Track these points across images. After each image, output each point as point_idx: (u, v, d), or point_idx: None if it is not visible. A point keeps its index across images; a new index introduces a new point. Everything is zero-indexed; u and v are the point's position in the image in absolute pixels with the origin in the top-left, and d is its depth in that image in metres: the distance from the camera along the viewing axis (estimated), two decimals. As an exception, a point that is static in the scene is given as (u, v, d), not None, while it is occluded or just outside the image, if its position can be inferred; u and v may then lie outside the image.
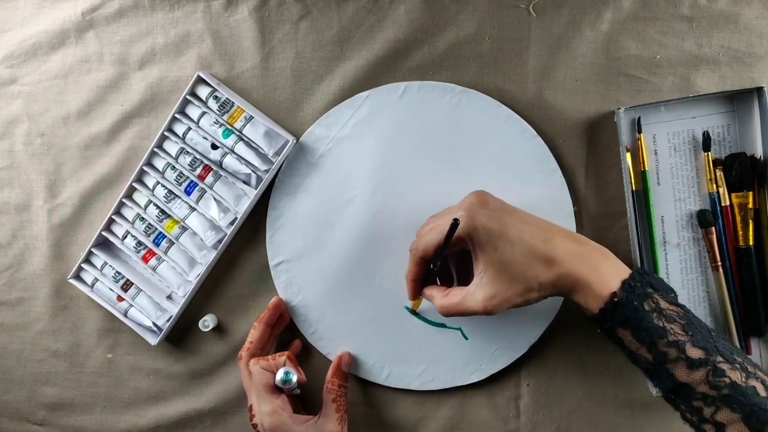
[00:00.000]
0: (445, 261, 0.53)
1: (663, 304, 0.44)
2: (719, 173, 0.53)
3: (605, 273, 0.44)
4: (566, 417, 0.57)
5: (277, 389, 0.52)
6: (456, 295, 0.47)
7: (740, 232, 0.53)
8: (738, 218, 0.53)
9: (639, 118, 0.54)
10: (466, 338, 0.57)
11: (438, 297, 0.49)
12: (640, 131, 0.54)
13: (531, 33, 0.56)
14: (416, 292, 0.52)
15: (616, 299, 0.43)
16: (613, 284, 0.44)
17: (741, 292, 0.53)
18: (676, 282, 0.55)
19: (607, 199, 0.56)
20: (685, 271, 0.55)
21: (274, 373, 0.52)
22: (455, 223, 0.44)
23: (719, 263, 0.53)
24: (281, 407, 0.51)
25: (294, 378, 0.51)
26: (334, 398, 0.53)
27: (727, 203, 0.53)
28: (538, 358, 0.57)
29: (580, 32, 0.55)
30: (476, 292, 0.46)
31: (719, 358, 0.42)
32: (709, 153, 0.53)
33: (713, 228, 0.53)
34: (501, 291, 0.45)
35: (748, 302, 0.53)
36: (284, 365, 0.52)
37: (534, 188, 0.56)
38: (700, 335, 0.43)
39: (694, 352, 0.42)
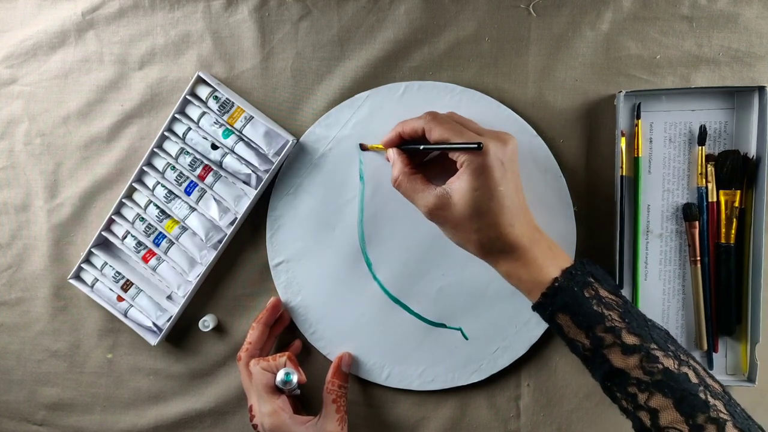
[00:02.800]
0: (421, 155, 0.53)
1: (602, 292, 0.45)
2: (710, 168, 0.53)
3: (548, 262, 0.46)
4: (566, 417, 0.57)
5: (277, 390, 0.52)
6: (417, 182, 0.49)
7: (723, 230, 0.53)
8: (723, 215, 0.53)
9: (639, 104, 0.54)
10: (466, 338, 0.57)
11: (402, 166, 0.50)
12: (638, 117, 0.54)
13: (531, 33, 0.56)
14: (393, 143, 0.52)
15: (557, 284, 0.45)
16: (553, 271, 0.45)
17: (716, 289, 0.54)
18: (653, 272, 0.55)
19: (607, 198, 0.56)
20: (663, 262, 0.55)
21: (275, 374, 0.52)
22: (478, 146, 0.45)
23: (698, 258, 0.53)
24: (281, 408, 0.51)
25: (294, 379, 0.51)
26: (335, 399, 0.53)
27: (715, 199, 0.53)
28: (538, 358, 0.57)
29: (580, 32, 0.55)
30: (434, 197, 0.47)
31: (653, 345, 0.43)
32: (703, 147, 0.53)
33: (697, 222, 0.53)
34: (451, 214, 0.47)
35: (721, 300, 0.54)
36: (284, 366, 0.52)
37: (534, 188, 0.55)
38: (635, 323, 0.44)
39: (629, 339, 0.43)
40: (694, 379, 0.42)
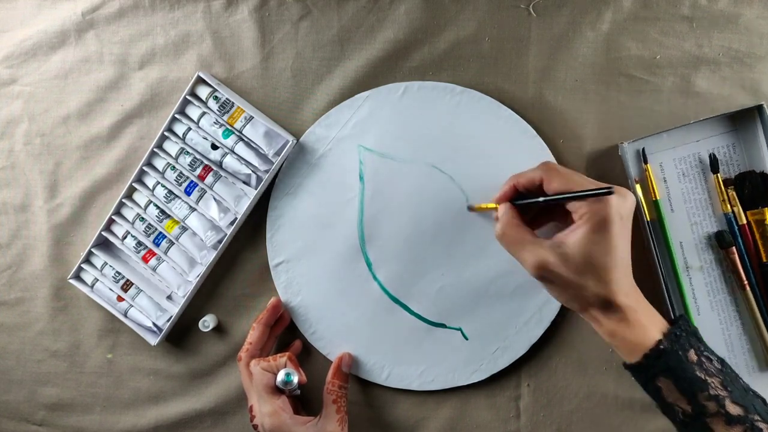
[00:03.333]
0: (532, 211, 0.50)
1: (704, 356, 0.44)
2: (731, 193, 0.53)
3: (650, 322, 0.45)
4: (566, 417, 0.57)
5: (277, 390, 0.52)
6: (525, 234, 0.46)
7: (762, 249, 0.53)
8: (757, 235, 0.53)
9: (643, 149, 0.54)
10: (466, 338, 0.57)
11: (509, 220, 0.48)
12: (646, 162, 0.54)
13: (531, 33, 0.56)
14: (506, 198, 0.49)
15: (662, 347, 0.43)
16: (655, 332, 0.44)
17: None
18: (705, 305, 0.55)
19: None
20: (712, 293, 0.55)
21: (275, 374, 0.52)
22: (608, 191, 0.43)
23: (745, 282, 0.53)
24: (281, 408, 0.51)
25: (295, 379, 0.51)
26: (335, 399, 0.53)
27: (744, 221, 0.53)
28: (538, 358, 0.57)
29: (580, 32, 0.55)
30: (545, 250, 0.45)
31: (757, 417, 0.42)
32: (719, 174, 0.53)
33: (734, 248, 0.53)
34: (561, 269, 0.44)
35: None
36: (285, 366, 0.52)
37: (534, 188, 0.56)
38: (738, 392, 0.43)
39: (734, 409, 0.42)
40: None
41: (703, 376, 0.43)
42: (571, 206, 0.46)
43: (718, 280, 0.55)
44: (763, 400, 0.44)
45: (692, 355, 0.43)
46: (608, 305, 0.44)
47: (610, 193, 0.43)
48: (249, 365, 0.53)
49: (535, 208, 0.51)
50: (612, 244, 0.44)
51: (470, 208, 0.55)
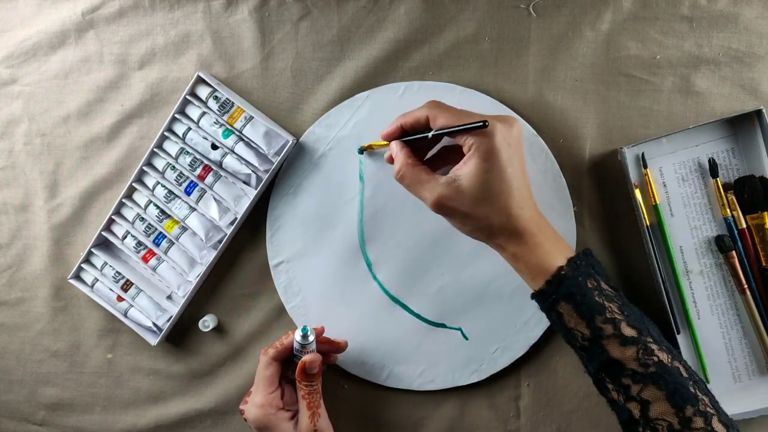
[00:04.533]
0: (426, 146, 0.52)
1: (603, 284, 0.46)
2: (731, 197, 0.53)
3: (554, 249, 0.46)
4: (566, 417, 0.57)
5: (293, 359, 0.53)
6: (421, 173, 0.48)
7: (761, 253, 0.53)
8: (757, 239, 0.53)
9: (643, 154, 0.54)
10: (466, 338, 0.57)
11: (404, 159, 0.49)
12: (645, 166, 0.54)
13: (531, 33, 0.56)
14: (394, 136, 0.50)
15: (563, 272, 0.45)
16: (559, 260, 0.46)
17: None
18: (705, 309, 0.55)
19: (607, 199, 0.56)
20: (712, 297, 0.55)
21: (289, 350, 0.53)
22: (483, 124, 0.44)
23: (745, 286, 0.53)
24: (270, 403, 0.52)
25: (312, 337, 0.51)
26: (303, 396, 0.53)
27: (744, 226, 0.53)
28: (538, 358, 0.57)
29: (580, 32, 0.55)
30: (442, 186, 0.46)
31: (649, 339, 0.44)
32: (718, 178, 0.54)
33: (734, 252, 0.53)
34: (459, 202, 0.46)
35: None
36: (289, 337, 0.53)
37: (534, 188, 0.55)
38: (633, 316, 0.45)
39: (628, 331, 0.44)
40: (684, 374, 0.43)
41: (601, 301, 0.44)
42: (461, 141, 0.47)
43: (718, 285, 0.55)
44: (656, 326, 0.46)
45: (592, 282, 0.45)
46: (509, 231, 0.46)
47: (485, 125, 0.44)
48: (263, 351, 0.54)
49: (427, 148, 0.52)
50: (504, 171, 0.45)
51: (362, 149, 0.56)
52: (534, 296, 0.47)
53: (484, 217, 0.46)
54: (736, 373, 0.55)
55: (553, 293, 0.45)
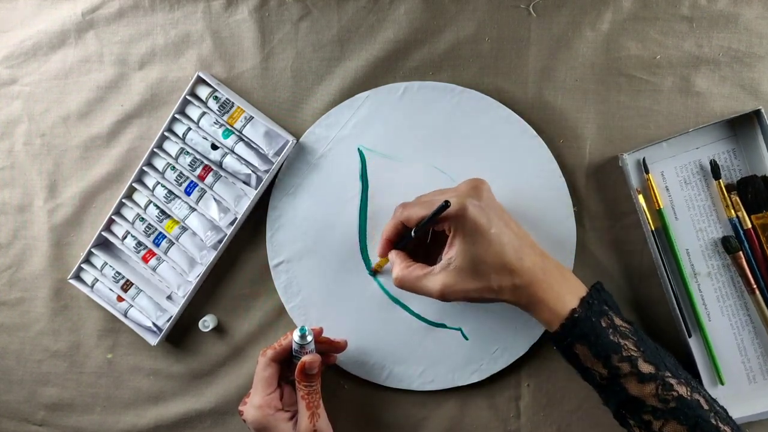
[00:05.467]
0: (422, 238, 0.52)
1: (617, 320, 0.46)
2: (735, 198, 0.53)
3: (564, 290, 0.46)
4: (567, 417, 0.57)
5: (292, 360, 0.52)
6: (417, 271, 0.48)
7: None
8: (763, 239, 0.53)
9: (644, 159, 0.54)
10: (466, 338, 0.57)
11: (399, 264, 0.50)
12: (647, 171, 0.54)
13: (531, 33, 0.56)
14: (386, 250, 0.52)
15: (576, 315, 0.45)
16: (571, 301, 0.46)
17: None
18: (715, 311, 0.55)
19: (607, 199, 0.56)
20: (721, 299, 0.55)
21: (287, 351, 0.53)
22: (446, 205, 0.45)
23: (754, 286, 0.53)
24: (268, 404, 0.52)
25: (310, 337, 0.51)
26: (302, 396, 0.53)
27: (749, 226, 0.53)
28: (538, 358, 0.57)
29: (580, 32, 0.55)
30: (439, 275, 0.47)
31: (667, 373, 0.44)
32: (721, 180, 0.53)
33: (741, 252, 0.53)
34: (462, 282, 0.46)
35: None
36: (288, 339, 0.53)
37: (534, 188, 0.56)
38: (650, 351, 0.45)
39: (645, 367, 0.44)
40: (705, 406, 0.43)
41: (616, 340, 0.45)
42: (442, 227, 0.48)
43: (727, 286, 0.55)
44: (674, 357, 0.46)
45: (605, 320, 0.45)
46: (515, 287, 0.46)
47: (447, 204, 0.44)
48: (262, 352, 0.54)
49: (425, 243, 0.53)
50: (487, 236, 0.45)
51: (373, 272, 0.57)
52: (550, 338, 0.47)
53: (488, 284, 0.46)
54: (751, 374, 0.55)
55: (567, 336, 0.45)
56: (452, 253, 0.47)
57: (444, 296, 0.47)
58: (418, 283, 0.48)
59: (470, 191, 0.47)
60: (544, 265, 0.47)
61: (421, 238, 0.51)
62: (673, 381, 0.44)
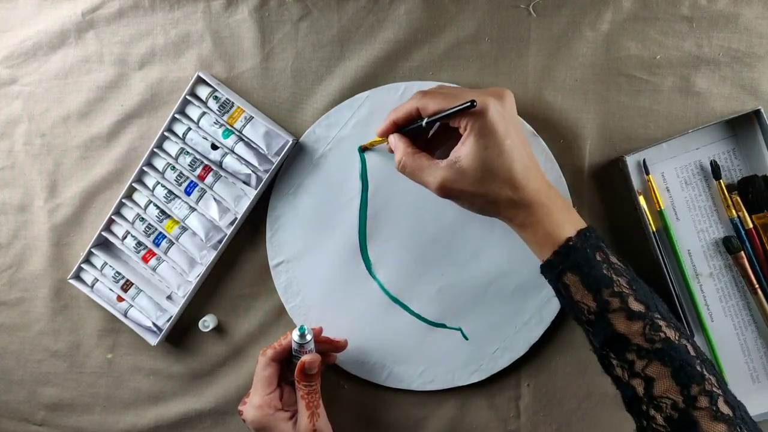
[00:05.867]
0: (426, 129, 0.51)
1: (612, 258, 0.45)
2: (736, 198, 0.53)
3: (563, 219, 0.45)
4: (567, 417, 0.57)
5: (291, 361, 0.52)
6: (422, 160, 0.48)
7: None
8: (765, 239, 0.53)
9: (644, 160, 0.54)
10: (466, 338, 0.57)
11: (404, 149, 0.49)
12: (648, 173, 0.54)
13: (531, 33, 0.56)
14: (389, 132, 0.51)
15: (570, 243, 0.44)
16: (568, 230, 0.45)
17: None
18: (718, 311, 0.55)
19: (607, 199, 0.56)
20: (724, 299, 0.55)
21: (286, 351, 0.52)
22: (471, 104, 0.44)
23: (757, 286, 0.53)
24: (268, 404, 0.52)
25: (309, 336, 0.51)
26: (302, 395, 0.52)
27: (750, 226, 0.53)
28: (538, 358, 0.57)
29: (580, 32, 0.55)
30: (443, 169, 0.46)
31: (657, 315, 0.43)
32: (721, 180, 0.53)
33: (742, 252, 0.53)
34: (464, 182, 0.46)
35: None
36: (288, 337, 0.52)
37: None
38: (642, 291, 0.44)
39: (636, 305, 0.43)
40: (692, 353, 0.42)
41: (609, 274, 0.44)
42: (456, 123, 0.47)
43: (729, 286, 0.55)
44: (665, 304, 0.45)
45: (600, 254, 0.44)
46: (516, 203, 0.45)
47: (473, 105, 0.43)
48: (262, 352, 0.54)
49: (426, 136, 0.52)
50: (502, 145, 0.45)
51: (361, 147, 0.56)
52: (541, 267, 0.46)
53: (490, 192, 0.45)
54: (754, 374, 0.55)
55: (560, 263, 0.44)
56: (462, 151, 0.45)
57: (442, 190, 0.46)
58: (420, 172, 0.47)
59: (496, 96, 0.46)
60: (549, 192, 0.46)
61: (421, 135, 0.51)
62: (662, 323, 0.43)
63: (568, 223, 0.45)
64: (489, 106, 0.45)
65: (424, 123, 0.48)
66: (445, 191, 0.47)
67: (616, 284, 0.43)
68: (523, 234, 0.47)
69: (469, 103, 0.44)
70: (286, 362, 0.54)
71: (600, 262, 0.44)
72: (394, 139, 0.50)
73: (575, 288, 0.44)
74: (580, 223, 0.46)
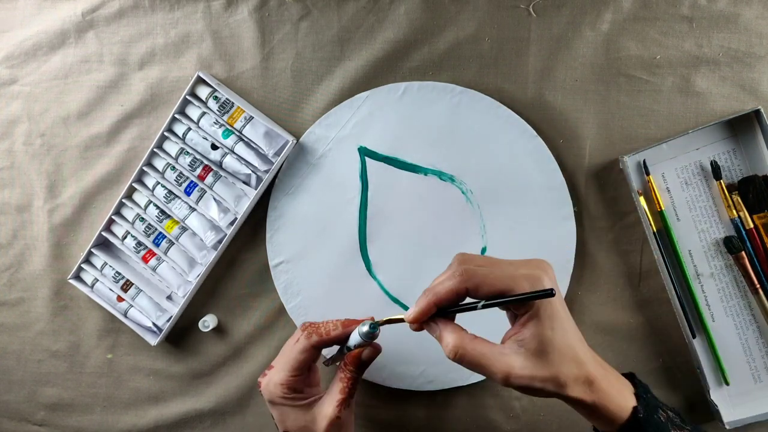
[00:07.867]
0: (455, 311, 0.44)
1: (669, 412, 0.44)
2: (736, 198, 0.53)
3: (620, 384, 0.44)
4: (567, 417, 0.57)
5: (342, 352, 0.50)
6: (482, 346, 0.42)
7: None
8: (765, 238, 0.53)
9: (644, 161, 0.54)
10: (466, 338, 0.56)
11: (457, 332, 0.43)
12: (648, 173, 0.54)
13: (531, 33, 0.56)
14: (426, 315, 0.43)
15: (640, 415, 0.42)
16: (627, 396, 0.43)
17: None
18: (719, 311, 0.55)
19: (607, 199, 0.56)
20: (725, 299, 0.55)
21: (333, 342, 0.49)
22: (550, 293, 0.39)
23: (758, 286, 0.53)
24: (290, 386, 0.49)
25: (377, 333, 0.47)
26: (344, 378, 0.50)
27: (751, 226, 0.53)
28: (538, 359, 0.57)
29: (580, 32, 0.55)
30: (508, 357, 0.42)
31: None
32: (722, 180, 0.54)
33: (743, 252, 0.53)
34: (531, 368, 0.41)
35: None
36: (336, 329, 0.49)
37: (534, 188, 0.56)
38: None
39: None
40: None
41: None
42: (513, 306, 0.42)
43: (730, 286, 0.55)
44: None
45: (662, 414, 0.43)
46: (582, 380, 0.42)
47: (552, 294, 0.39)
48: (301, 332, 0.50)
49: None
50: (566, 325, 0.42)
51: (375, 323, 0.47)
52: None
53: (560, 374, 0.41)
54: (756, 374, 0.55)
55: None
56: (526, 335, 0.41)
57: (507, 381, 0.41)
58: (482, 360, 0.42)
59: (544, 271, 0.42)
60: (598, 358, 0.44)
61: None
62: None
63: (625, 387, 0.43)
64: (554, 289, 0.41)
65: (480, 306, 0.42)
66: (511, 380, 0.41)
67: None
68: (593, 413, 0.44)
69: (548, 291, 0.39)
70: (321, 349, 0.51)
71: (665, 423, 0.43)
72: (440, 326, 0.43)
73: None
74: (629, 387, 0.44)
